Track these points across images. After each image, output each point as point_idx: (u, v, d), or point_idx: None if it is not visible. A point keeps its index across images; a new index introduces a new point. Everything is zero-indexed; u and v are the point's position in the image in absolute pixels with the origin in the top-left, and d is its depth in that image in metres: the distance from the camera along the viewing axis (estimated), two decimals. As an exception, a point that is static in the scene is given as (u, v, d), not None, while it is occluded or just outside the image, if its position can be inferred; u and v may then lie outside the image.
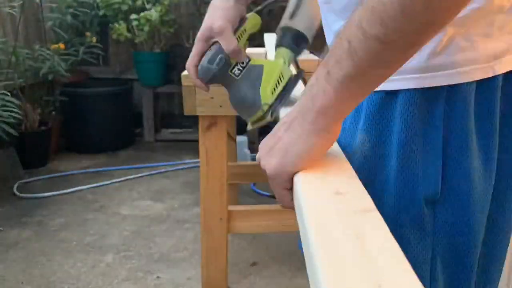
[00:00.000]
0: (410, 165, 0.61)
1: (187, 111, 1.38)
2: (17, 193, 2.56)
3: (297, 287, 1.76)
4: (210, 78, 0.70)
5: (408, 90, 0.60)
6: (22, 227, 2.19)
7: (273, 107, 0.70)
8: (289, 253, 1.98)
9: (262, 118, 0.70)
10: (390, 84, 0.59)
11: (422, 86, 0.59)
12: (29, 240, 2.08)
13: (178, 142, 3.52)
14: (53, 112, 3.19)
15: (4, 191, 2.58)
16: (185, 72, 1.39)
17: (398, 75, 0.56)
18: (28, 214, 2.33)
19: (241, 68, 0.70)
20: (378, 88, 0.57)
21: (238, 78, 0.70)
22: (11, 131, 2.38)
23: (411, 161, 0.61)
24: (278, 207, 1.67)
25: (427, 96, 0.60)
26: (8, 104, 2.40)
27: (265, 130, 2.66)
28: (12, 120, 2.40)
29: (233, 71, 0.70)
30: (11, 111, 2.40)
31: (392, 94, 0.61)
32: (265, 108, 0.69)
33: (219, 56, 0.68)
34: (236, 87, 0.70)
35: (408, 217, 0.62)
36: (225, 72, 0.70)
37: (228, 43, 0.71)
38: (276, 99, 0.70)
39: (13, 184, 2.64)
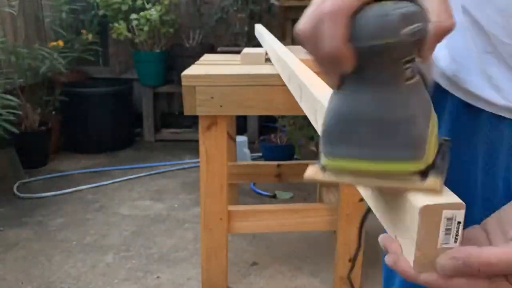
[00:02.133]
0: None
1: (187, 111, 1.38)
2: (17, 193, 2.56)
3: (297, 287, 1.76)
4: (377, 47, 0.33)
5: None
6: (22, 227, 2.19)
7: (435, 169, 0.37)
8: (289, 253, 1.98)
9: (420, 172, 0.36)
10: None
11: None
12: (29, 240, 2.08)
13: (178, 142, 3.52)
14: (53, 112, 3.19)
15: (4, 191, 2.58)
16: (185, 72, 1.39)
17: None
18: (28, 214, 2.33)
19: (413, 74, 0.36)
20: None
21: (406, 83, 0.35)
22: (12, 130, 2.38)
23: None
24: (278, 207, 1.67)
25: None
26: (8, 103, 2.41)
27: (265, 130, 2.64)
28: (12, 119, 2.40)
29: (406, 66, 0.35)
30: (11, 111, 2.40)
31: None
32: (427, 161, 0.36)
33: (419, 24, 0.33)
34: (394, 94, 0.35)
35: None
36: (401, 55, 0.34)
37: (444, 16, 0.35)
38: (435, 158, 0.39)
39: (13, 184, 2.64)
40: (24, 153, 2.87)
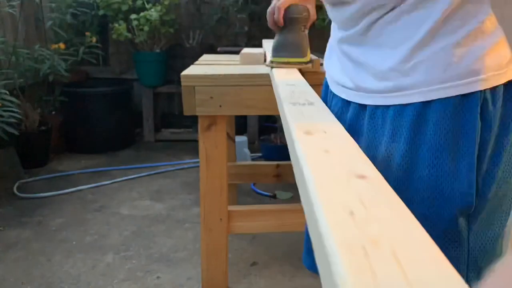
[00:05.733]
0: (442, 175, 0.64)
1: (186, 111, 1.38)
2: (17, 193, 2.56)
3: (297, 287, 1.76)
4: (295, 18, 1.00)
5: (446, 98, 0.64)
6: (22, 227, 2.19)
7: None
8: (289, 253, 1.98)
9: (304, 62, 1.04)
10: (427, 94, 0.64)
11: (462, 93, 0.63)
12: (29, 240, 2.08)
13: (178, 142, 3.52)
14: (53, 112, 3.19)
15: (4, 191, 2.58)
16: (185, 72, 1.39)
17: (435, 85, 0.63)
18: (28, 214, 2.33)
19: (304, 30, 1.05)
20: (412, 100, 0.64)
21: (302, 32, 1.03)
22: (12, 131, 2.38)
23: (443, 171, 0.64)
24: (278, 207, 1.67)
25: (463, 102, 0.63)
26: (8, 104, 2.41)
27: (265, 130, 2.65)
28: (12, 120, 2.40)
29: (303, 27, 1.03)
30: (11, 111, 2.40)
31: (427, 104, 0.65)
32: (308, 58, 1.06)
33: (307, 13, 1.02)
34: (297, 35, 1.03)
35: (441, 228, 0.66)
36: (301, 22, 1.02)
37: (313, 13, 1.04)
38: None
39: (13, 184, 2.64)
40: (24, 153, 2.87)
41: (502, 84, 0.64)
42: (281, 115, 0.61)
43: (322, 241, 0.24)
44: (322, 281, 0.24)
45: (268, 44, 1.79)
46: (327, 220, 0.26)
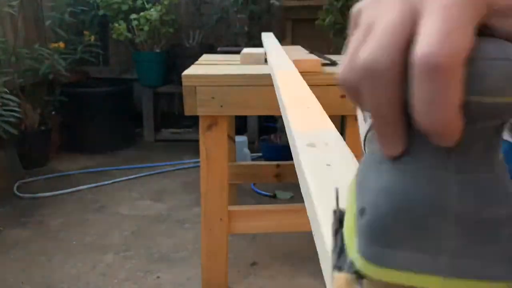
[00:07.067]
0: None
1: (187, 111, 1.38)
2: (17, 193, 2.55)
3: (297, 287, 1.76)
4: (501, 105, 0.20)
5: None
6: (22, 227, 2.19)
7: None
8: (289, 253, 1.98)
9: None
10: None
11: None
12: (29, 240, 2.08)
13: (178, 142, 3.52)
14: (53, 112, 3.19)
15: (4, 191, 2.58)
16: (186, 72, 1.39)
17: None
18: (28, 214, 2.33)
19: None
20: None
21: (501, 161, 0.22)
22: (11, 130, 2.38)
23: None
24: (278, 207, 1.67)
25: None
26: (8, 103, 2.40)
27: (265, 130, 2.63)
28: (12, 119, 2.40)
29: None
30: (11, 111, 2.40)
31: None
32: None
33: None
34: (492, 177, 0.22)
35: None
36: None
37: None
38: None
39: (13, 184, 2.64)
40: (24, 153, 2.86)
41: None
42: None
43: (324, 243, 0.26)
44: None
45: (267, 42, 1.77)
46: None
